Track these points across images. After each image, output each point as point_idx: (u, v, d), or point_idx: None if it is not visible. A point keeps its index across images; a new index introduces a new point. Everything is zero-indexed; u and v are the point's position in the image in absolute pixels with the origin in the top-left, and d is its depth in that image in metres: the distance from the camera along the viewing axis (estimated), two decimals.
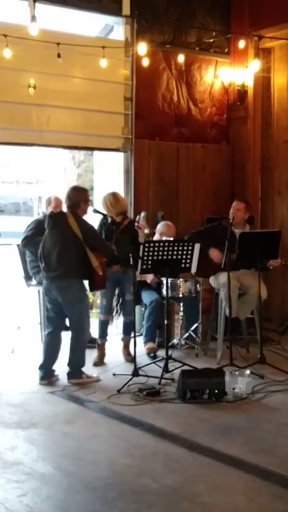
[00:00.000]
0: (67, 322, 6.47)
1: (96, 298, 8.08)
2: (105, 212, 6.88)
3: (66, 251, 6.10)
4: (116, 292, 7.09)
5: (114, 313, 7.20)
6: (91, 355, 6.79)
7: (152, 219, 8.12)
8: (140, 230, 7.08)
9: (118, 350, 7.12)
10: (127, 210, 7.20)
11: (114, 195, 7.00)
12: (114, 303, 7.15)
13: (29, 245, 7.14)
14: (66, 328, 6.52)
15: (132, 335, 6.48)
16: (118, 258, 6.73)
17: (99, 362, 6.87)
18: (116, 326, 7.40)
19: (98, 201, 7.66)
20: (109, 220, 6.88)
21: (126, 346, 7.08)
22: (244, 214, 7.08)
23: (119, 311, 7.23)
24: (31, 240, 7.03)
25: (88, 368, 6.46)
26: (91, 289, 6.33)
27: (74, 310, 6.19)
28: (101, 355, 6.94)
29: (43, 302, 6.83)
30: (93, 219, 6.81)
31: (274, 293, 8.17)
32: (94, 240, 6.25)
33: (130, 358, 6.79)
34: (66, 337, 6.36)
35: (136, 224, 7.09)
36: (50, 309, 6.32)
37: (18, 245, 7.45)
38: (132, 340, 6.51)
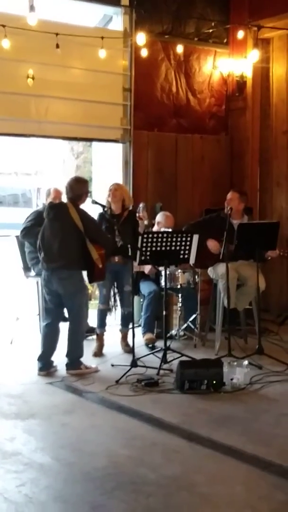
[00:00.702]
0: (66, 313, 6.47)
1: (95, 289, 8.07)
2: (104, 203, 6.88)
3: (67, 242, 6.10)
4: (115, 283, 7.10)
5: (112, 303, 7.21)
6: (89, 345, 6.79)
7: (150, 210, 8.11)
8: (141, 220, 7.07)
9: (117, 341, 7.13)
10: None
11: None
12: (112, 292, 7.16)
13: (28, 236, 7.14)
14: (64, 319, 6.53)
15: (131, 326, 6.49)
16: (119, 250, 6.73)
17: (99, 352, 6.89)
18: (115, 317, 7.40)
19: (97, 192, 7.66)
20: (108, 211, 6.87)
21: (124, 337, 7.10)
22: (238, 204, 7.03)
23: (117, 302, 7.24)
24: (31, 231, 7.03)
25: (87, 359, 6.46)
26: (90, 281, 6.34)
27: (74, 301, 6.20)
28: (100, 345, 6.96)
29: (42, 293, 6.83)
30: (91, 210, 6.80)
31: (273, 284, 8.18)
32: (95, 232, 6.24)
33: (129, 349, 6.81)
34: (64, 328, 6.37)
35: (137, 215, 7.09)
36: (49, 300, 6.32)
37: (16, 236, 7.45)
38: (130, 331, 6.52)
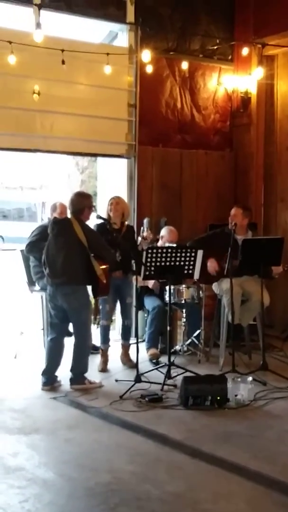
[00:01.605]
0: (70, 328, 6.47)
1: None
2: (106, 217, 6.90)
3: (72, 257, 6.11)
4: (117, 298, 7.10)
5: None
6: (93, 361, 6.78)
7: (155, 225, 8.14)
8: (145, 241, 7.08)
9: (119, 355, 7.11)
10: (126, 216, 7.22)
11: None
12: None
13: (33, 251, 7.16)
14: (69, 334, 6.53)
15: (133, 340, 6.47)
16: (120, 264, 6.76)
17: (104, 367, 6.87)
18: (118, 331, 7.39)
19: (101, 207, 7.68)
20: (108, 226, 6.88)
21: (125, 352, 7.08)
22: (242, 219, 7.07)
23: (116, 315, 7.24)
24: (36, 246, 7.05)
25: (91, 374, 6.45)
26: (95, 296, 6.35)
27: (79, 317, 6.20)
28: (105, 360, 6.95)
29: (46, 308, 6.84)
30: (92, 224, 6.83)
31: (277, 299, 8.16)
32: (98, 247, 6.25)
33: (131, 364, 6.80)
34: (69, 343, 6.37)
35: (141, 234, 7.10)
36: (54, 315, 6.32)
37: (21, 251, 7.47)
38: (132, 346, 6.51)
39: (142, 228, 7.24)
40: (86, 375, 6.26)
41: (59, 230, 6.24)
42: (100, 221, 6.85)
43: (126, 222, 7.20)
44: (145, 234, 7.11)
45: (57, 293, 6.17)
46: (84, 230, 6.17)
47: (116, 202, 7.05)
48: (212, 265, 6.97)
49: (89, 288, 6.31)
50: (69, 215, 6.44)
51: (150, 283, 7.30)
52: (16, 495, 4.00)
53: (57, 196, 9.94)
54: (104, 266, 6.21)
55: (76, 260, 6.11)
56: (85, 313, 6.23)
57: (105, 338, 7.00)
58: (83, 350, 6.27)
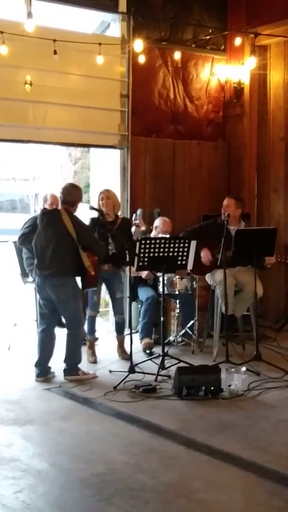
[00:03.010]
0: (63, 318, 6.47)
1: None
2: (100, 209, 6.88)
3: (60, 249, 6.09)
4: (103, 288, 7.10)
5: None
6: (85, 352, 6.78)
7: (148, 216, 8.13)
8: (138, 228, 7.08)
9: (114, 347, 7.11)
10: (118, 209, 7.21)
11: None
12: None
13: (25, 243, 7.14)
14: (60, 325, 6.52)
15: (126, 333, 6.47)
16: (111, 257, 6.75)
17: (94, 359, 6.86)
18: (112, 323, 7.40)
19: (95, 198, 7.66)
20: (102, 218, 6.86)
21: (121, 344, 7.08)
22: (235, 210, 7.06)
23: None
24: (28, 238, 7.02)
25: (85, 365, 6.46)
26: (83, 288, 6.32)
27: (68, 308, 6.19)
28: (93, 352, 6.94)
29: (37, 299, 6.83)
30: (85, 216, 6.82)
31: (270, 290, 8.18)
32: (87, 239, 6.24)
33: (126, 356, 6.80)
34: (61, 333, 6.36)
35: (134, 222, 7.09)
36: (43, 306, 6.31)
37: (14, 242, 7.45)
38: (127, 337, 6.51)
39: (134, 216, 7.22)
40: (80, 366, 6.26)
41: (48, 221, 6.22)
42: (94, 213, 6.84)
43: (120, 215, 7.17)
44: (137, 221, 7.10)
45: (45, 284, 6.16)
46: (73, 221, 6.15)
47: (106, 196, 7.00)
48: (205, 255, 6.98)
49: (78, 280, 6.29)
50: (59, 206, 6.41)
51: (144, 273, 7.30)
52: (10, 486, 4.00)
53: (50, 187, 9.91)
54: (93, 259, 6.19)
55: (65, 252, 6.09)
56: (74, 304, 6.21)
57: (92, 329, 6.98)
58: (76, 341, 6.27)
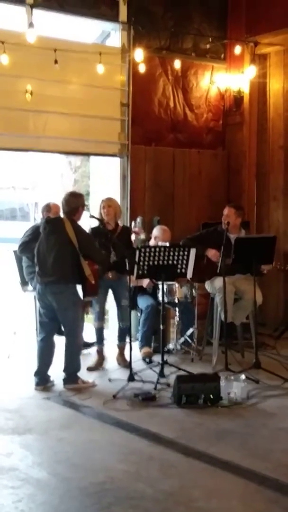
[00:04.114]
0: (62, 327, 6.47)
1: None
2: (100, 218, 6.90)
3: (62, 257, 6.12)
4: (109, 298, 7.11)
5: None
6: (85, 360, 6.77)
7: (148, 225, 8.14)
8: (137, 235, 7.10)
9: (114, 355, 7.12)
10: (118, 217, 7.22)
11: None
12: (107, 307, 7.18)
13: (26, 251, 7.15)
14: (60, 333, 6.53)
15: (128, 340, 6.48)
16: (113, 265, 6.77)
17: (96, 367, 6.87)
18: (113, 331, 7.40)
19: (94, 206, 7.69)
20: (102, 226, 6.87)
21: (121, 352, 7.09)
22: (235, 219, 7.09)
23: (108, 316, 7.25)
24: (28, 246, 7.04)
25: (84, 373, 6.47)
26: (83, 296, 6.33)
27: (68, 316, 6.20)
28: (101, 362, 6.95)
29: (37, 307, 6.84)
30: (86, 224, 6.84)
31: (269, 298, 8.19)
32: (89, 248, 6.26)
33: (126, 364, 6.80)
34: (60, 342, 6.37)
35: (133, 230, 7.11)
36: (43, 314, 6.32)
37: (14, 251, 7.46)
38: (127, 346, 6.52)
39: (133, 224, 7.23)
40: (79, 374, 6.27)
41: (50, 229, 6.25)
42: (95, 222, 6.86)
43: (120, 223, 7.19)
44: (136, 229, 7.12)
45: (46, 291, 6.18)
46: (75, 230, 6.18)
47: (108, 205, 7.02)
48: (213, 253, 6.95)
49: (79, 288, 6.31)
50: (61, 215, 6.44)
51: (145, 283, 7.31)
52: (9, 495, 4.01)
53: (50, 196, 9.93)
54: (94, 267, 6.21)
55: (66, 260, 6.12)
56: (74, 312, 6.22)
57: (100, 339, 7.00)
58: (74, 349, 6.28)
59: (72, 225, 6.19)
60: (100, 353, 7.00)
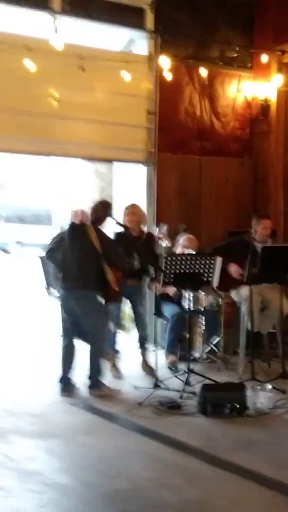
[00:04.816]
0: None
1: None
2: (126, 224, 6.89)
3: (86, 263, 6.13)
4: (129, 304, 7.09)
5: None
6: (109, 367, 6.77)
7: (174, 232, 8.12)
8: (161, 240, 7.08)
9: (138, 362, 7.09)
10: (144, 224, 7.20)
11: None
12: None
13: (53, 257, 7.14)
14: (84, 339, 6.51)
15: (151, 348, 6.45)
16: (136, 272, 6.76)
17: (116, 373, 6.84)
18: (136, 338, 7.38)
19: (118, 213, 7.68)
20: (127, 233, 6.86)
21: (144, 359, 7.05)
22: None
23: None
24: (55, 253, 7.03)
25: (109, 381, 6.45)
26: (106, 302, 6.32)
27: (91, 321, 6.20)
28: (116, 368, 6.92)
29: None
30: (110, 230, 6.85)
31: None
32: (113, 255, 6.26)
33: (150, 371, 6.77)
34: (83, 347, 6.36)
35: (158, 234, 7.09)
36: (67, 320, 6.33)
37: (41, 257, 7.48)
38: (149, 353, 6.49)
39: (157, 229, 7.21)
40: (105, 381, 6.25)
41: (75, 235, 6.27)
42: (119, 228, 6.85)
43: (146, 229, 7.17)
44: (161, 235, 7.10)
45: (70, 297, 6.19)
46: (100, 237, 6.20)
47: (132, 212, 7.01)
48: (235, 269, 6.91)
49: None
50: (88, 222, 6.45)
51: (171, 291, 7.28)
52: (33, 500, 3.99)
53: (77, 203, 9.96)
54: (117, 274, 6.20)
55: (90, 266, 6.13)
56: (97, 318, 6.22)
57: (114, 345, 6.97)
58: (98, 355, 6.27)
59: (96, 231, 6.20)
60: (113, 358, 6.95)
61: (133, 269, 6.76)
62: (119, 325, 7.07)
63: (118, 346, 7.02)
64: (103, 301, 6.28)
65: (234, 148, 9.07)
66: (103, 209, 6.42)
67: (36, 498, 4.02)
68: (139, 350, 7.10)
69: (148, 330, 7.21)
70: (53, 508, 3.89)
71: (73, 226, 6.50)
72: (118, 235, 6.92)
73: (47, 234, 7.55)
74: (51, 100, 7.25)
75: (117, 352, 7.00)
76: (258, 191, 9.08)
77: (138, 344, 7.12)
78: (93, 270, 6.15)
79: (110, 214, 6.45)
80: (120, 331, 7.05)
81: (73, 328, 6.30)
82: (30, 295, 8.90)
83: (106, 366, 6.54)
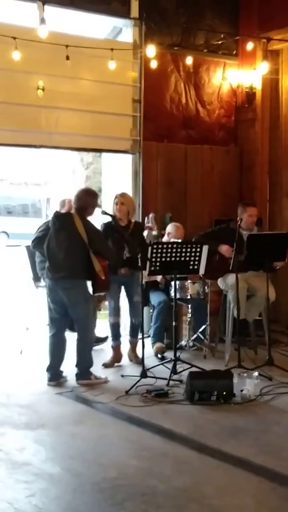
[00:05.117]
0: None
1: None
2: (113, 214, 6.88)
3: (72, 252, 6.12)
4: (124, 294, 7.10)
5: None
6: (97, 355, 6.77)
7: (160, 221, 8.13)
8: (150, 230, 7.08)
9: (126, 351, 7.11)
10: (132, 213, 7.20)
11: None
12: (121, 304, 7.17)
13: (39, 246, 7.13)
14: (72, 329, 6.53)
15: (140, 336, 6.48)
16: (127, 261, 6.76)
17: (111, 364, 6.85)
18: (124, 327, 7.40)
19: (106, 202, 7.68)
20: (115, 222, 6.85)
21: (133, 348, 7.08)
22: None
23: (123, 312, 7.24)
24: (42, 241, 7.00)
25: (97, 369, 6.47)
26: (94, 292, 6.32)
27: (79, 311, 6.20)
28: (117, 359, 6.93)
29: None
30: (98, 220, 6.84)
31: (282, 294, 8.14)
32: (99, 244, 6.25)
33: (138, 360, 6.80)
34: (72, 337, 6.37)
35: (146, 225, 7.09)
36: (53, 310, 6.33)
37: (27, 246, 7.47)
38: (139, 342, 6.51)
39: (146, 219, 7.22)
40: (92, 370, 6.27)
41: (60, 224, 6.25)
42: (107, 218, 6.85)
43: (133, 219, 7.18)
44: (150, 224, 7.10)
45: (57, 287, 6.19)
46: (85, 226, 6.17)
47: (121, 202, 6.97)
48: (226, 249, 6.93)
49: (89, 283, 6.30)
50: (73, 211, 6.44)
51: (159, 278, 7.30)
52: (23, 490, 4.01)
53: (62, 192, 9.96)
54: (104, 263, 6.20)
55: (77, 255, 6.12)
56: (85, 307, 6.22)
57: (115, 335, 6.98)
58: (86, 345, 6.28)
59: (82, 220, 6.18)
60: (117, 349, 6.97)
61: (122, 258, 6.76)
62: (119, 315, 7.07)
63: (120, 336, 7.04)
64: (90, 290, 6.29)
65: (220, 136, 9.07)
66: (86, 197, 6.38)
67: (25, 487, 4.05)
68: (129, 339, 7.11)
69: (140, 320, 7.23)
70: (41, 498, 3.92)
71: (57, 215, 6.49)
72: (105, 225, 6.92)
73: (34, 226, 7.51)
74: (36, 90, 7.19)
75: (119, 337, 7.01)
76: (244, 179, 9.09)
77: (129, 332, 7.14)
78: (79, 259, 6.13)
79: (94, 203, 6.41)
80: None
81: (61, 318, 6.30)
82: (17, 286, 8.89)
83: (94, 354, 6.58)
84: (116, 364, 6.90)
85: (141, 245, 6.67)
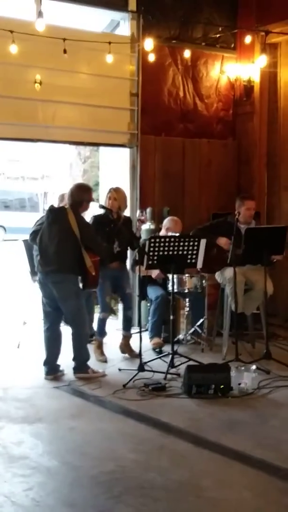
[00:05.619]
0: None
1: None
2: (109, 207, 6.88)
3: (63, 246, 6.10)
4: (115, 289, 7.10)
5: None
6: (94, 352, 6.78)
7: (158, 215, 8.12)
8: (143, 224, 7.08)
9: (119, 344, 7.10)
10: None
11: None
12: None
13: (36, 240, 7.13)
14: (67, 322, 6.52)
15: (136, 330, 6.48)
16: (117, 255, 6.76)
17: (104, 358, 6.85)
18: (120, 321, 7.40)
19: (103, 196, 7.65)
20: (110, 216, 6.84)
21: (127, 342, 7.06)
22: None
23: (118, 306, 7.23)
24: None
25: (94, 363, 6.46)
26: (84, 287, 6.31)
27: (69, 305, 6.18)
28: (101, 352, 6.92)
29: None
30: (91, 214, 6.84)
31: (280, 288, 8.14)
32: (90, 240, 6.22)
33: (133, 353, 6.80)
34: (68, 331, 6.37)
35: (138, 218, 7.09)
36: (46, 304, 6.33)
37: (24, 241, 7.46)
38: (135, 335, 6.50)
39: (138, 212, 7.20)
40: (90, 364, 6.26)
41: (53, 218, 6.24)
42: (101, 210, 6.85)
43: (123, 214, 7.14)
44: (142, 217, 7.09)
45: (47, 280, 6.18)
46: (78, 221, 6.16)
47: (113, 197, 6.95)
48: (224, 241, 6.93)
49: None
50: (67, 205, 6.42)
51: (154, 273, 7.29)
52: (20, 484, 4.01)
53: (59, 186, 9.94)
54: (95, 259, 6.19)
55: (68, 250, 6.10)
56: (75, 301, 6.19)
57: (101, 331, 6.97)
58: (81, 338, 6.26)
59: (75, 215, 6.16)
60: (100, 344, 6.95)
61: (112, 253, 6.75)
62: (108, 311, 7.06)
63: (105, 333, 7.03)
64: (81, 285, 6.27)
65: (218, 129, 9.05)
66: (79, 192, 6.35)
67: (22, 481, 4.05)
68: (123, 332, 7.11)
69: (134, 310, 7.24)
70: (39, 491, 3.92)
71: (51, 209, 6.47)
72: (95, 218, 6.91)
73: (31, 220, 7.49)
74: (34, 83, 7.17)
75: (104, 335, 7.00)
76: (242, 173, 9.08)
77: (122, 325, 7.13)
78: (70, 254, 6.12)
79: (89, 197, 6.38)
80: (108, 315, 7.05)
81: (54, 312, 6.30)
82: (14, 280, 8.88)
83: (91, 350, 6.58)
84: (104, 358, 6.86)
85: (130, 239, 6.69)
